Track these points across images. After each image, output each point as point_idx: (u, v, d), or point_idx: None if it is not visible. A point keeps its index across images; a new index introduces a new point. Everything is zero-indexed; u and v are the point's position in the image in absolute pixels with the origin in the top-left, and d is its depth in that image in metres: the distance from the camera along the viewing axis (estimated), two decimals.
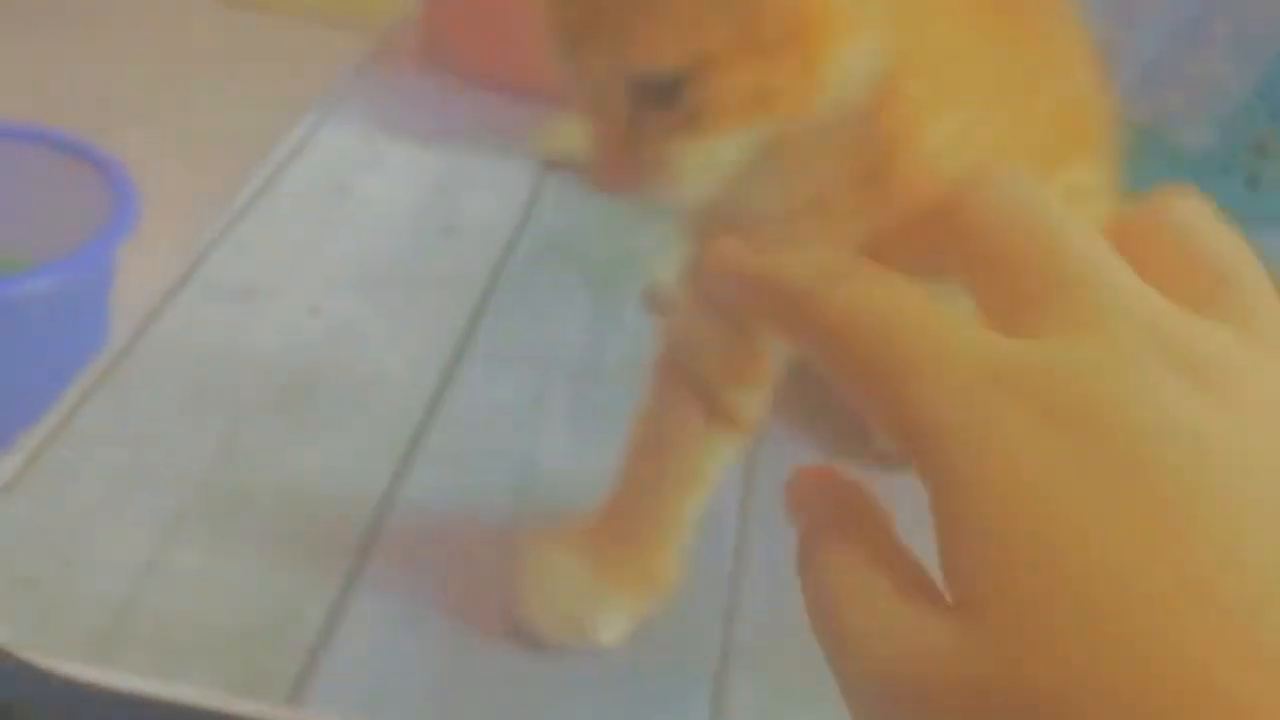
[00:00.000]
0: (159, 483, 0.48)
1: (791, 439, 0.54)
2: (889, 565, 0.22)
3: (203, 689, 0.41)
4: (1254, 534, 0.19)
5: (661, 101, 0.33)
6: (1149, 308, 0.22)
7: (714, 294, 0.26)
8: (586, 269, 0.63)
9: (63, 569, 0.45)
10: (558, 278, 0.62)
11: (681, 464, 0.42)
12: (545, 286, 0.62)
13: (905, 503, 0.24)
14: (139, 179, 1.42)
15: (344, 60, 0.81)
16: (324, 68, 0.80)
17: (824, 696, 0.24)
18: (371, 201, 0.66)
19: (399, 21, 0.83)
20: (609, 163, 0.34)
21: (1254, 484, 0.19)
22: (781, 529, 0.24)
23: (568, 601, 0.42)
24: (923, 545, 0.21)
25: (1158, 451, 0.19)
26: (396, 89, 0.76)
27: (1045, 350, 0.21)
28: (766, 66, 0.33)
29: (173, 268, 0.61)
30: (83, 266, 1.27)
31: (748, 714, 0.43)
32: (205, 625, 0.43)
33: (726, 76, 0.33)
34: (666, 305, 0.59)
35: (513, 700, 0.42)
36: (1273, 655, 0.18)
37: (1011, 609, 0.19)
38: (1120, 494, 0.19)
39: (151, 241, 1.44)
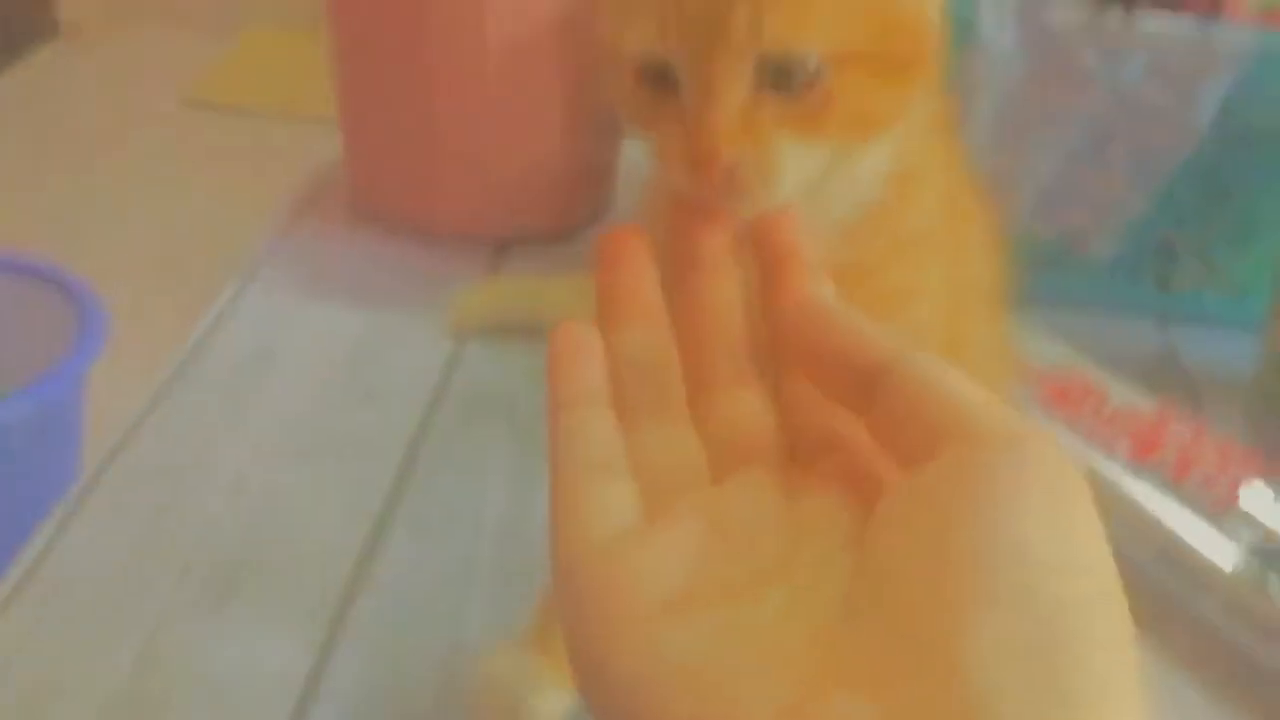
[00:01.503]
0: (76, 695, 0.48)
1: None
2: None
3: None
4: None
5: (785, 89, 0.35)
6: None
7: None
8: (512, 423, 0.64)
9: None
10: (482, 435, 0.63)
11: None
12: (470, 445, 0.63)
13: None
14: (106, 292, 1.43)
15: (308, 156, 0.80)
16: (289, 164, 0.80)
17: None
18: (295, 366, 0.67)
19: (324, 170, 0.84)
20: (716, 146, 0.34)
21: None
22: None
23: (507, 692, 0.43)
24: None
25: None
26: (322, 243, 0.77)
27: None
28: (889, 79, 0.36)
29: (145, 384, 0.62)
30: (53, 390, 1.27)
31: None
32: None
33: (857, 77, 0.35)
34: None
35: None
36: None
37: None
38: None
39: (122, 357, 1.44)
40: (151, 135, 2.35)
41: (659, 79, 0.36)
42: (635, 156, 0.81)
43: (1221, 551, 0.55)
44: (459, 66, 0.73)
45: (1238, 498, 0.57)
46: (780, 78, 0.35)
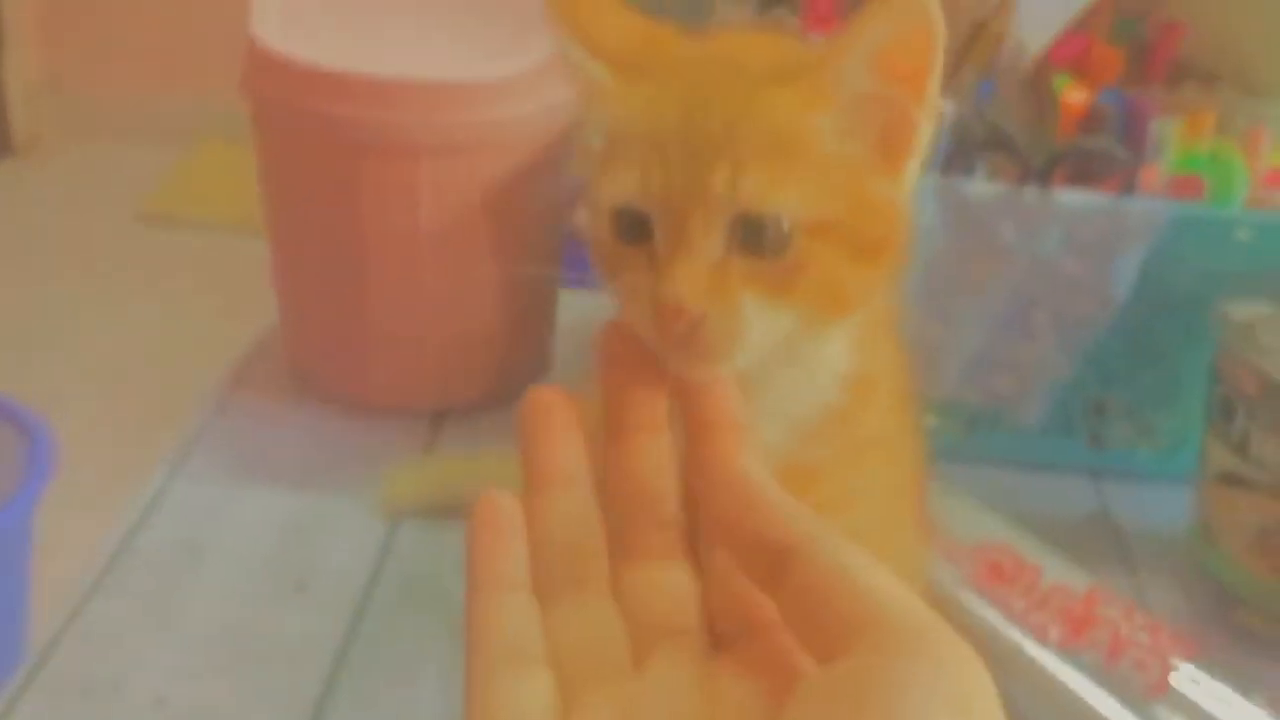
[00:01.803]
0: None
1: None
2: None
3: None
4: None
5: (757, 251, 0.36)
6: None
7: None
8: (446, 615, 0.63)
9: None
10: (416, 629, 0.62)
11: None
12: (403, 641, 0.62)
13: None
14: (59, 415, 1.41)
15: (263, 270, 0.81)
16: (244, 278, 0.79)
17: None
18: (224, 560, 0.66)
19: (263, 336, 0.84)
20: (684, 297, 0.35)
21: None
22: None
23: None
24: None
25: None
26: (256, 419, 0.77)
27: None
28: (858, 258, 0.38)
29: (94, 516, 0.59)
30: (2, 522, 1.25)
31: None
32: None
33: (827, 248, 0.37)
34: None
35: None
36: None
37: None
38: None
39: (75, 484, 1.42)
40: (107, 252, 2.35)
41: (634, 229, 0.37)
42: (571, 316, 0.82)
43: None
44: (392, 243, 0.73)
45: (1169, 682, 0.57)
46: (752, 239, 0.36)
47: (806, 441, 0.41)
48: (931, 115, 0.40)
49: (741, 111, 0.37)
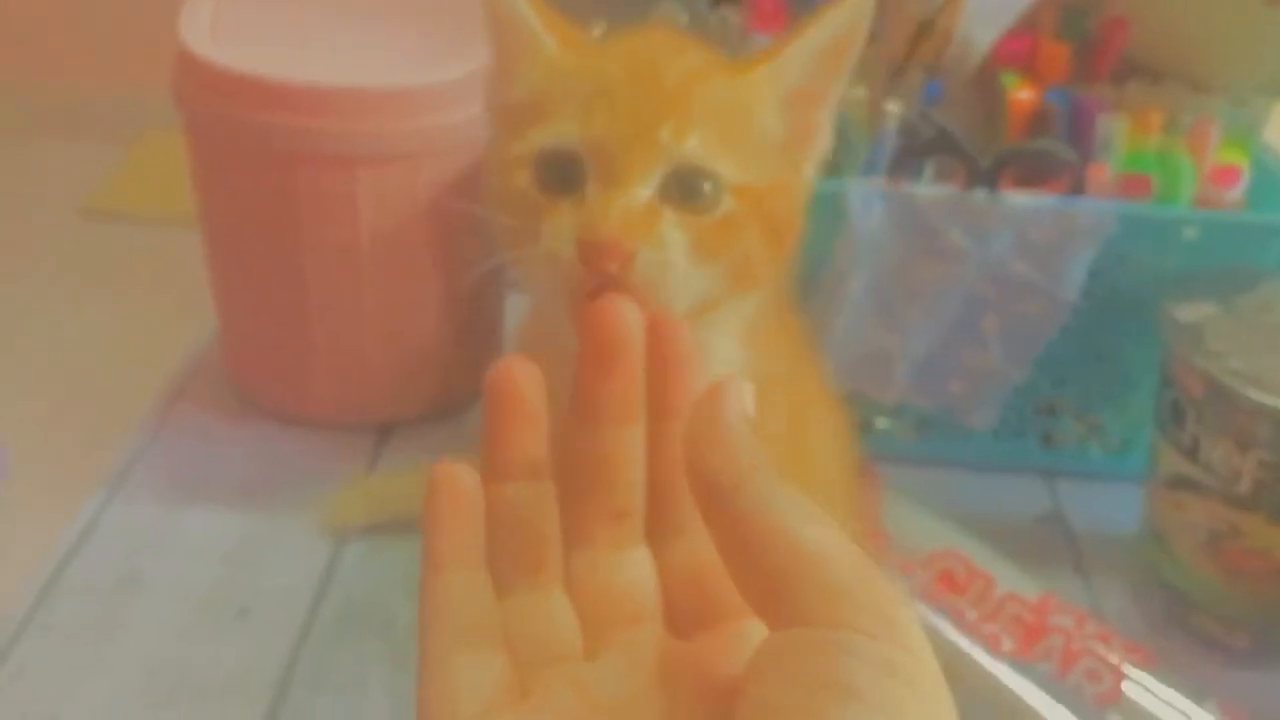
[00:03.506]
0: None
1: None
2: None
3: None
4: None
5: (688, 203, 0.38)
6: None
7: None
8: (389, 637, 0.62)
9: None
10: (359, 652, 0.61)
11: None
12: (346, 665, 0.60)
13: None
14: (6, 417, 1.38)
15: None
16: (194, 273, 0.78)
17: None
18: (163, 587, 0.64)
19: (202, 350, 0.82)
20: (615, 229, 0.36)
21: None
22: None
23: None
24: None
25: None
26: (196, 438, 0.75)
27: None
28: (767, 237, 0.41)
29: (33, 538, 0.57)
30: None
31: None
32: None
33: (748, 218, 0.39)
34: None
35: None
36: None
37: None
38: None
39: (11, 504, 1.39)
40: (52, 249, 2.30)
41: (560, 177, 0.38)
42: (519, 322, 0.80)
43: None
44: (332, 255, 0.71)
45: (1122, 690, 0.57)
46: (686, 193, 0.38)
47: None
48: (833, 115, 0.44)
49: (694, 78, 0.40)
